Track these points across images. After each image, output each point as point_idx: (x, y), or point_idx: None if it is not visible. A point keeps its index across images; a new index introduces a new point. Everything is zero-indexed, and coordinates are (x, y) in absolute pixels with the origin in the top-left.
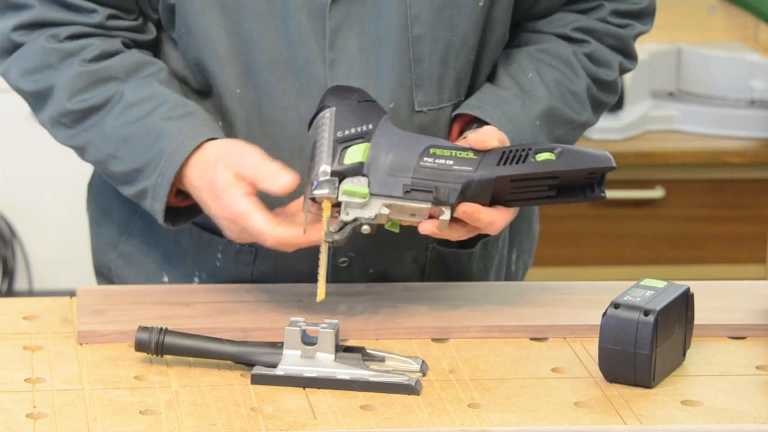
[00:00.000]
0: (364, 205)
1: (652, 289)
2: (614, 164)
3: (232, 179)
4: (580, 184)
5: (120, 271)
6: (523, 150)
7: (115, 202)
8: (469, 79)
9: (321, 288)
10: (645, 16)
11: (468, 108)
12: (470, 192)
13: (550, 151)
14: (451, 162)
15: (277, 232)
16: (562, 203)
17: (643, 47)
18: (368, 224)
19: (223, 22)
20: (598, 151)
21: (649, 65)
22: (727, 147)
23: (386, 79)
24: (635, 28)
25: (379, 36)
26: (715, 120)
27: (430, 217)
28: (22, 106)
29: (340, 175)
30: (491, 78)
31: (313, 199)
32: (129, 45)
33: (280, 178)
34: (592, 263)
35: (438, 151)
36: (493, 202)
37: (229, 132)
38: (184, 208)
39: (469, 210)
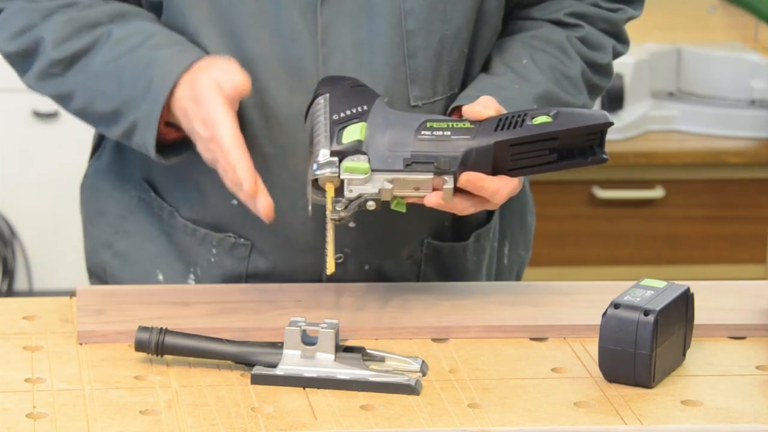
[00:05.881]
0: (367, 181)
1: (652, 289)
2: (611, 120)
3: (214, 87)
4: (581, 148)
5: (114, 271)
6: (519, 115)
7: (109, 201)
8: (463, 71)
9: (330, 261)
10: (635, 0)
11: (466, 99)
12: (471, 160)
13: (546, 114)
14: (448, 133)
15: (239, 145)
16: (566, 168)
17: (643, 47)
18: (372, 200)
19: (213, 19)
20: (595, 110)
21: (649, 65)
22: (727, 147)
23: (380, 74)
24: (626, 13)
25: (372, 31)
26: (715, 120)
27: (434, 190)
28: (23, 105)
29: (340, 155)
30: (486, 68)
31: (316, 181)
32: None
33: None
34: (592, 263)
35: (435, 124)
36: (495, 171)
37: None
38: (174, 145)
39: (471, 178)
